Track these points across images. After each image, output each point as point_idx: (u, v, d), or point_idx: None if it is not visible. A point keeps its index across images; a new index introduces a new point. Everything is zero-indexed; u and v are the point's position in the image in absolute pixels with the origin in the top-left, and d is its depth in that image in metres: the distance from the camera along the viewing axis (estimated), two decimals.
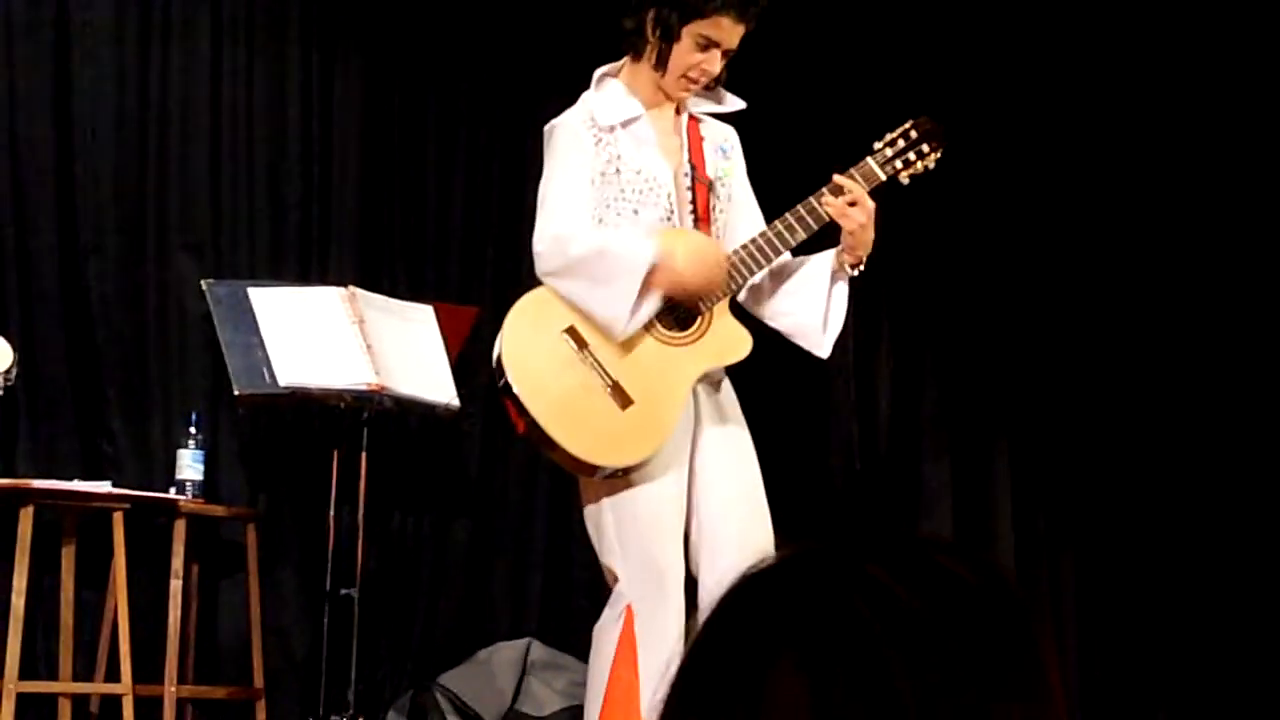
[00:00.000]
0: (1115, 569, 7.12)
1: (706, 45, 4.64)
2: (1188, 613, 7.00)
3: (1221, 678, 6.92)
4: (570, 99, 6.90)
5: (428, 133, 6.97)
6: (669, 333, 4.62)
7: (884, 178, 4.66)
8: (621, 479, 4.57)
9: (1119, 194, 7.16)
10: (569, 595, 6.95)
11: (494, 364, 4.63)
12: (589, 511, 4.66)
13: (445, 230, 6.97)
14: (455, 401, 6.07)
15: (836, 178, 4.62)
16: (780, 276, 4.75)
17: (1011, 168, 7.17)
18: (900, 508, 7.06)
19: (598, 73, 4.80)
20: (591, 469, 4.57)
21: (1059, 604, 7.09)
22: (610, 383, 4.57)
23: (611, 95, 4.75)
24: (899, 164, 4.68)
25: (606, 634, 4.57)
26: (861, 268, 4.66)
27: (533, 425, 4.55)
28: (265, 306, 5.91)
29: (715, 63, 4.66)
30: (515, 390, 4.55)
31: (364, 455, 6.06)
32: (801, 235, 4.63)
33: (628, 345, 4.59)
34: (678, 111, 4.82)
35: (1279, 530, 6.90)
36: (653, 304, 4.55)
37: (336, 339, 5.91)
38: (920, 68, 7.04)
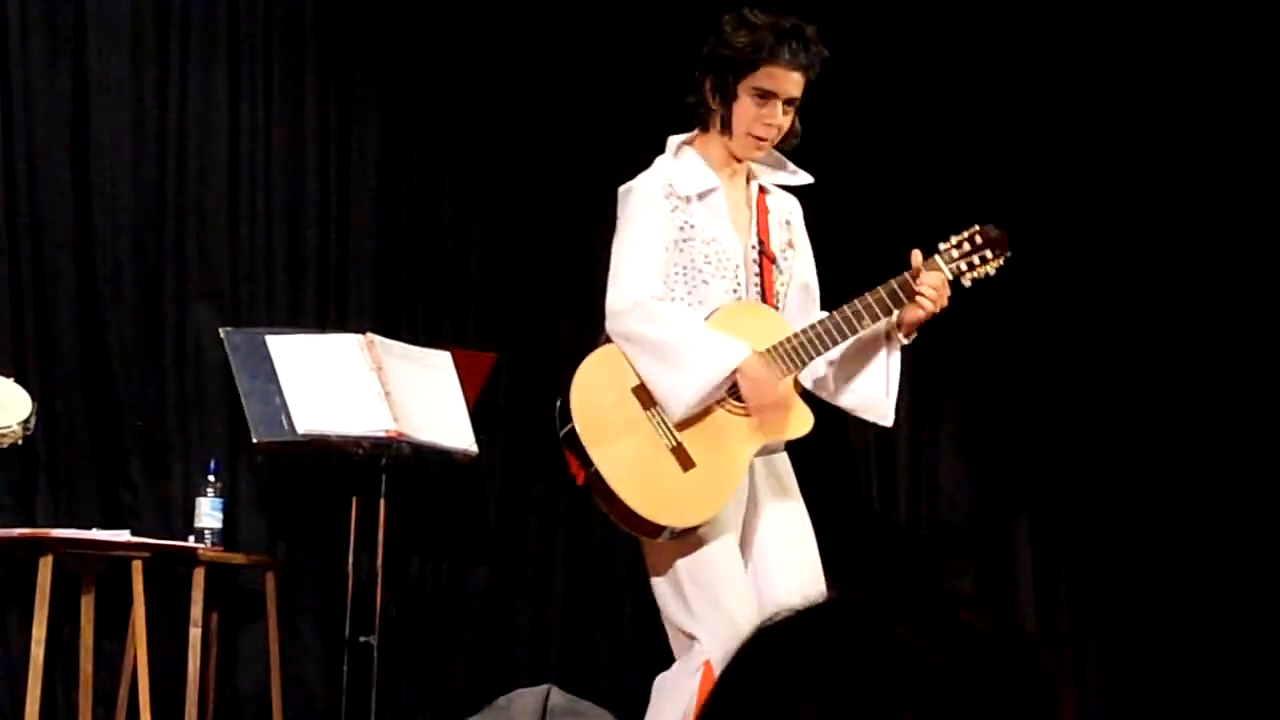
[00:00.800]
0: (1137, 614, 7.08)
1: (764, 95, 4.72)
2: (1211, 656, 6.97)
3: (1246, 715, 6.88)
4: (587, 148, 6.96)
5: (445, 180, 6.98)
6: (734, 401, 4.70)
7: (950, 277, 4.74)
8: (691, 541, 4.66)
9: (1130, 226, 7.15)
10: (589, 642, 6.94)
11: (558, 412, 4.73)
12: (660, 576, 4.74)
13: (462, 277, 6.98)
14: (473, 448, 6.07)
15: (920, 273, 4.67)
16: (841, 356, 4.84)
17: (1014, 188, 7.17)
18: (918, 555, 7.04)
19: (674, 141, 4.90)
20: (650, 527, 4.66)
21: (1080, 649, 7.06)
22: (674, 444, 4.67)
23: (689, 165, 4.84)
24: (963, 265, 4.76)
25: (680, 686, 4.65)
26: (914, 337, 4.78)
27: (595, 478, 4.65)
28: (283, 354, 5.91)
29: (778, 114, 4.75)
30: (582, 442, 4.65)
31: (382, 502, 6.06)
32: (878, 320, 4.71)
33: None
34: (747, 181, 4.91)
35: None
36: (715, 396, 4.66)
37: (355, 386, 5.92)
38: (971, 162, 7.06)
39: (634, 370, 4.68)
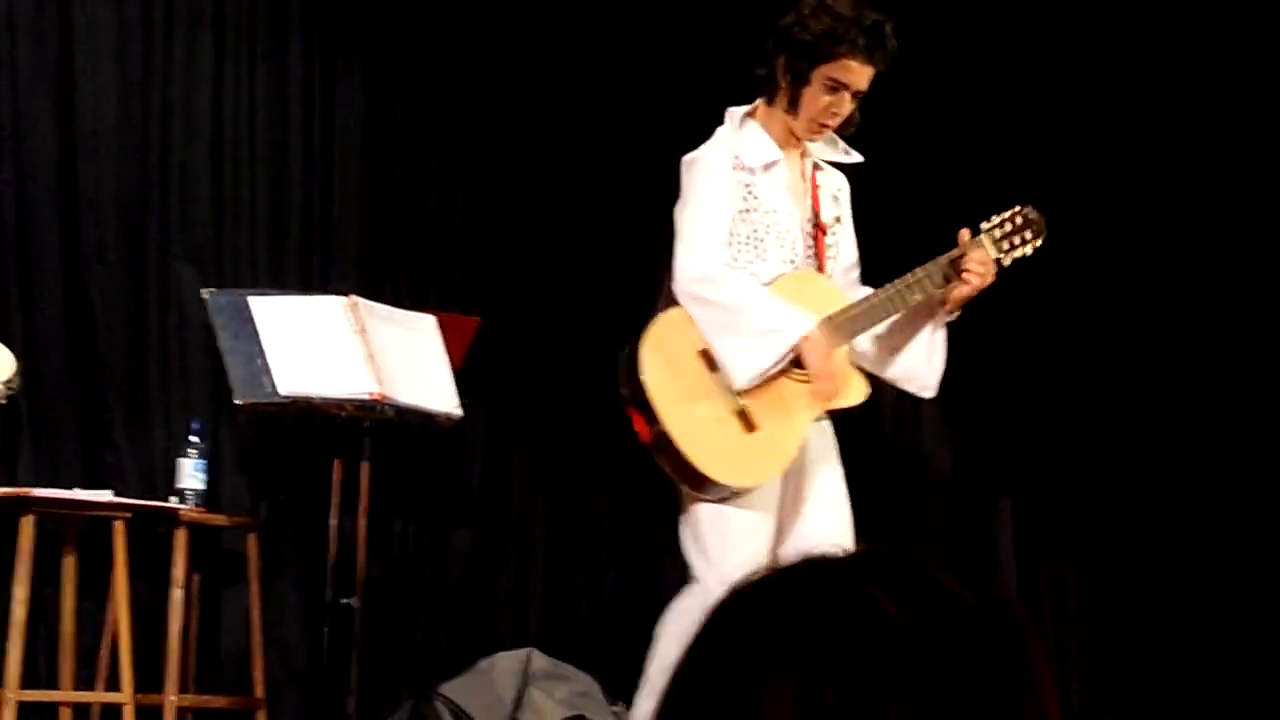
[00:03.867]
0: (1118, 579, 7.10)
1: (835, 88, 4.81)
2: (1192, 623, 6.99)
3: (1226, 689, 6.90)
4: (575, 109, 6.95)
5: (430, 142, 6.96)
6: (797, 370, 4.81)
7: (994, 257, 4.85)
8: (725, 499, 4.78)
9: (1107, 196, 7.15)
10: (571, 605, 6.95)
11: (622, 371, 4.84)
12: (689, 517, 4.83)
13: (448, 240, 6.97)
14: (457, 411, 6.06)
15: (967, 249, 4.79)
16: (890, 327, 4.96)
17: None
18: (899, 518, 7.06)
19: (734, 112, 4.96)
20: (708, 484, 4.78)
21: (1061, 615, 7.08)
22: (739, 407, 4.80)
23: (753, 137, 4.92)
24: (1005, 245, 4.87)
25: (688, 615, 4.70)
26: (958, 314, 4.90)
27: (661, 435, 4.77)
28: (266, 316, 5.90)
29: (845, 105, 4.85)
30: (651, 400, 4.77)
31: (365, 464, 6.06)
32: (927, 293, 4.83)
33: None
34: (803, 156, 5.01)
35: None
36: (778, 368, 4.77)
37: (338, 348, 5.91)
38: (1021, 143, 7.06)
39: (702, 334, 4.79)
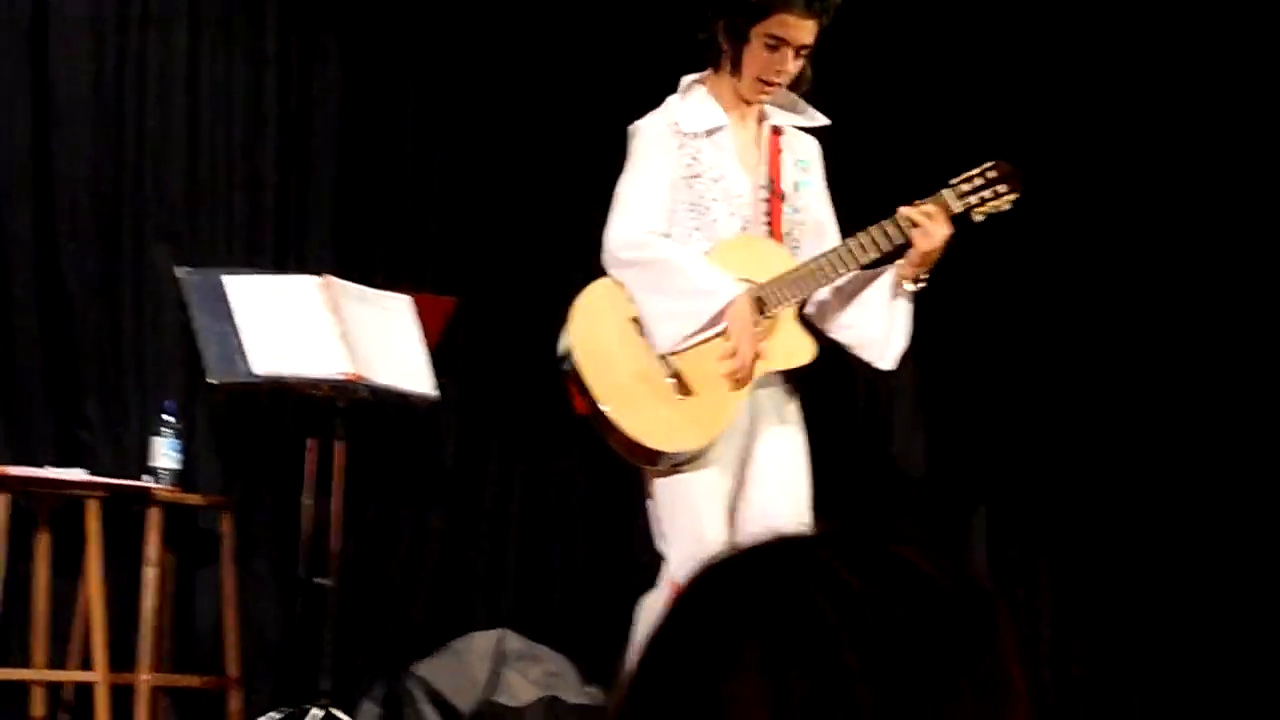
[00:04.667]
0: (1091, 571, 7.11)
1: (776, 44, 4.74)
2: (1166, 613, 7.00)
3: (1200, 681, 6.91)
4: (550, 89, 6.94)
5: (406, 122, 6.96)
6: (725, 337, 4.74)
7: (958, 210, 4.77)
8: (680, 467, 4.71)
9: (1089, 198, 7.16)
10: (545, 586, 6.95)
11: (559, 345, 4.79)
12: (651, 500, 4.78)
13: (423, 220, 6.96)
14: (432, 392, 6.06)
15: (916, 202, 4.72)
16: (843, 291, 4.89)
17: None
18: (872, 508, 7.06)
19: (685, 80, 4.91)
20: (648, 454, 4.72)
21: (1034, 605, 7.08)
22: (672, 372, 4.73)
23: (697, 103, 4.86)
24: (973, 199, 4.79)
25: (653, 611, 4.66)
26: (923, 284, 4.78)
27: (593, 406, 4.72)
28: (240, 295, 5.89)
29: (788, 61, 4.76)
30: (580, 371, 4.73)
31: (339, 444, 6.06)
32: (873, 254, 4.75)
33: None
34: (760, 121, 4.93)
35: (1261, 533, 6.90)
36: (702, 336, 4.70)
37: (312, 328, 5.90)
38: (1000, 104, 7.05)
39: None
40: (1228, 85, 7.04)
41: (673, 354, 4.73)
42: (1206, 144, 7.06)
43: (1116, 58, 7.13)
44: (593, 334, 4.76)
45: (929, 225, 4.68)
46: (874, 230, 4.72)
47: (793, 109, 4.94)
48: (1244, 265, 7.03)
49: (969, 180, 4.79)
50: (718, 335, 4.71)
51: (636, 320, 4.75)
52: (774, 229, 4.87)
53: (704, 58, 4.88)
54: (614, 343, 4.76)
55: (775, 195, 4.89)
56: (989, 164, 4.82)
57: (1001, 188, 4.79)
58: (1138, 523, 7.05)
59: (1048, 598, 7.13)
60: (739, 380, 4.73)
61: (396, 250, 6.90)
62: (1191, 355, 7.05)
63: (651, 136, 4.81)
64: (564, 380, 4.81)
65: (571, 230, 6.92)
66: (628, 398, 4.72)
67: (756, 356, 4.72)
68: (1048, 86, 7.14)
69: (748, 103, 4.87)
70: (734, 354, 4.70)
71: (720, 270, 4.74)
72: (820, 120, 4.97)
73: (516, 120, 7.01)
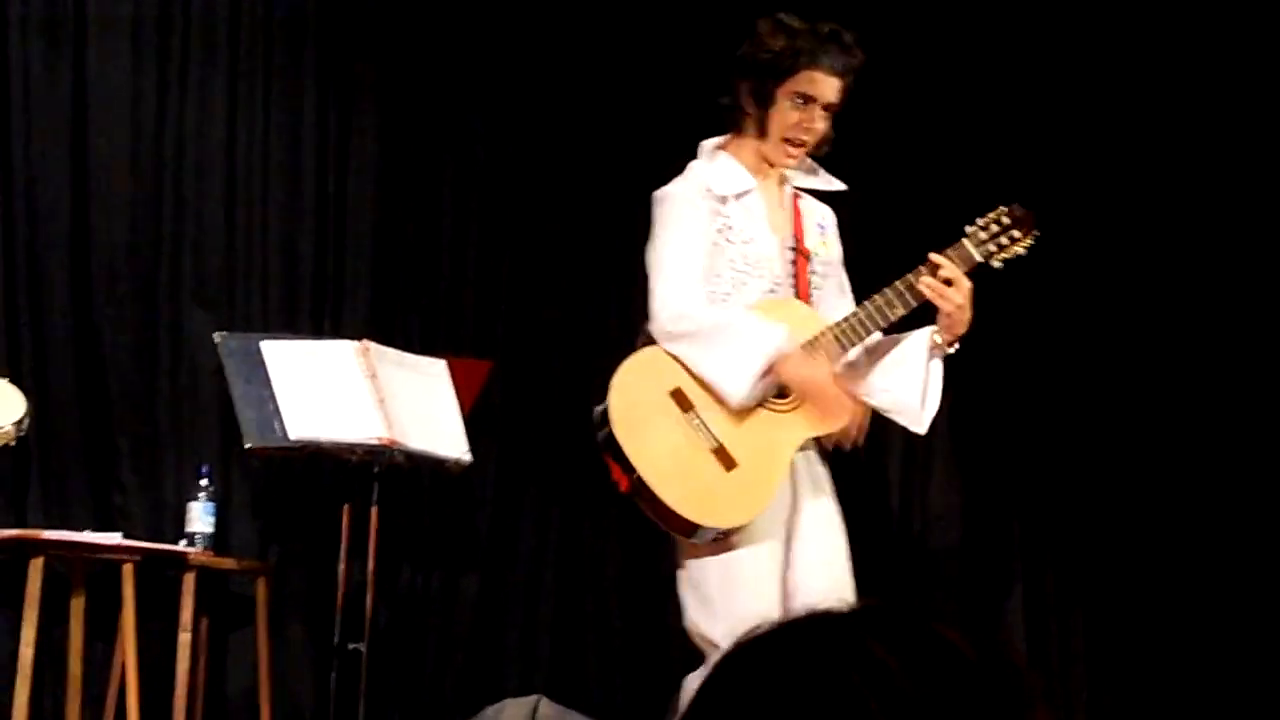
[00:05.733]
0: (1126, 628, 7.07)
1: (804, 102, 4.75)
2: (1199, 671, 6.96)
3: None
4: (585, 157, 6.96)
5: (442, 189, 6.98)
6: (775, 400, 4.72)
7: (980, 260, 4.75)
8: (726, 541, 4.63)
9: (1119, 232, 7.15)
10: (579, 652, 6.93)
11: (597, 418, 4.72)
12: (689, 571, 4.69)
13: (459, 285, 6.97)
14: (467, 456, 6.06)
15: (933, 256, 4.71)
16: (877, 353, 4.86)
17: None
18: (906, 572, 7.04)
19: (707, 145, 4.91)
20: (693, 529, 4.63)
21: (1068, 662, 7.05)
22: (715, 445, 4.67)
23: (724, 167, 4.85)
24: (993, 247, 4.77)
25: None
26: (957, 346, 4.76)
27: (638, 482, 4.62)
28: (277, 360, 5.90)
29: (815, 120, 4.78)
30: (621, 445, 4.64)
31: (374, 509, 6.05)
32: (899, 312, 4.73)
33: (732, 409, 4.68)
34: (780, 184, 4.94)
35: None
36: (769, 384, 4.66)
37: (349, 392, 5.91)
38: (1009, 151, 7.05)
39: (674, 370, 4.68)
40: (1231, 118, 7.02)
41: (721, 427, 4.66)
42: (1213, 166, 7.03)
43: (1114, 89, 7.12)
44: (633, 408, 4.67)
45: (946, 290, 4.66)
46: (899, 285, 4.70)
47: (812, 174, 4.95)
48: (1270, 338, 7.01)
49: (985, 228, 4.77)
50: (772, 397, 4.68)
51: (675, 394, 4.68)
52: (800, 289, 4.87)
53: (726, 122, 4.89)
54: (654, 416, 4.67)
55: (801, 255, 4.89)
56: (1002, 210, 4.79)
57: (1016, 232, 4.77)
58: (1176, 582, 7.01)
59: (1082, 655, 7.09)
60: (819, 421, 4.70)
61: (433, 315, 6.91)
62: (1227, 413, 7.02)
63: (683, 201, 4.79)
64: (602, 454, 4.72)
65: (605, 296, 6.94)
66: (670, 470, 4.63)
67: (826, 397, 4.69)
68: (1051, 131, 7.15)
69: (771, 165, 4.87)
70: (805, 400, 4.67)
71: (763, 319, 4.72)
72: (837, 185, 4.97)
73: (553, 184, 7.02)
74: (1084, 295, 7.15)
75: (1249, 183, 7.04)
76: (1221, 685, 6.92)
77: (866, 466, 7.07)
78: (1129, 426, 7.10)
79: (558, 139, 7.03)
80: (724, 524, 4.63)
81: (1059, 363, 7.14)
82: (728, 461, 4.66)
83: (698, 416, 4.68)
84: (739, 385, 4.63)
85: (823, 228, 5.00)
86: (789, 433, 4.72)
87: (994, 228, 4.77)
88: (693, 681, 4.60)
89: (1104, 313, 7.15)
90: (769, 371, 4.64)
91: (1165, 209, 7.11)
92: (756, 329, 4.66)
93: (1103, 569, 7.10)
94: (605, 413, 4.69)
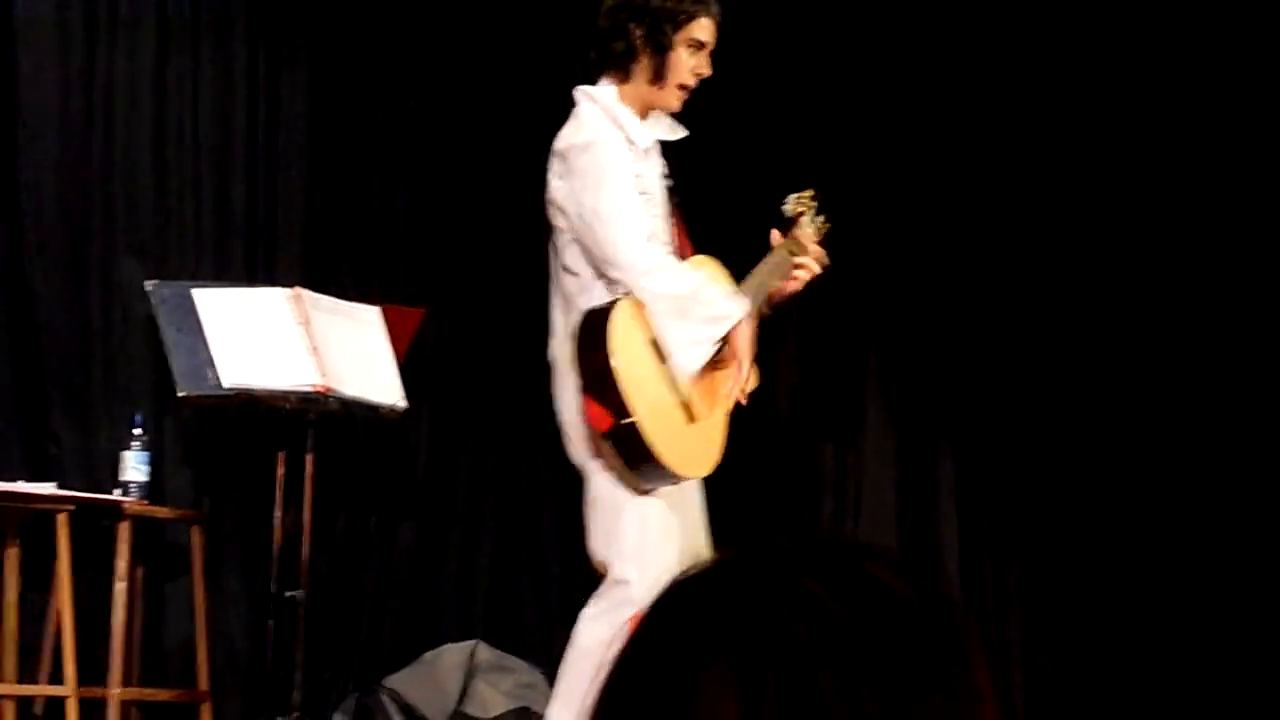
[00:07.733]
0: (1062, 573, 7.12)
1: (698, 47, 4.79)
2: (1137, 616, 7.01)
3: (1171, 684, 6.93)
4: (517, 103, 6.94)
5: (374, 134, 6.95)
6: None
7: (817, 238, 4.97)
8: (649, 488, 4.67)
9: (1072, 185, 7.17)
10: (516, 597, 6.95)
11: (585, 360, 4.66)
12: (607, 503, 4.70)
13: (392, 232, 6.96)
14: (402, 403, 6.05)
15: (797, 233, 4.94)
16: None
17: (972, 158, 7.19)
18: (840, 511, 7.08)
19: (604, 93, 4.83)
20: (654, 475, 4.66)
21: (1003, 610, 7.10)
22: (684, 398, 4.74)
23: (630, 118, 4.82)
24: (821, 221, 5.01)
25: (603, 629, 4.60)
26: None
27: (627, 427, 4.60)
28: (209, 308, 5.88)
29: (706, 64, 4.82)
30: (624, 389, 4.59)
31: (309, 457, 6.05)
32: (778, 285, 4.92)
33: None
34: None
35: (1232, 534, 6.91)
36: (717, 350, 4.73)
37: (282, 340, 5.89)
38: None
39: (653, 325, 4.67)
40: (1224, 114, 7.03)
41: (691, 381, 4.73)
42: (1214, 210, 7.05)
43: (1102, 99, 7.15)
44: (632, 357, 4.65)
45: (804, 275, 4.88)
46: (789, 242, 4.90)
47: (659, 122, 4.92)
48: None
49: (803, 202, 5.00)
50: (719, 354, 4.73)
51: (654, 343, 4.68)
52: (681, 241, 4.92)
53: (605, 67, 4.84)
54: (644, 364, 4.67)
55: (676, 207, 4.95)
56: (811, 190, 5.02)
57: (821, 218, 5.00)
58: (1112, 527, 7.06)
59: (1017, 602, 7.14)
60: (742, 398, 4.77)
61: (366, 262, 6.90)
62: (1171, 360, 7.07)
63: (614, 150, 4.75)
64: (588, 390, 4.65)
65: (539, 240, 6.92)
66: (658, 419, 4.65)
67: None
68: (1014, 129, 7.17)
69: (652, 110, 4.85)
70: (743, 371, 4.72)
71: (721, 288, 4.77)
72: (682, 132, 4.95)
73: (485, 130, 7.01)
74: (1034, 253, 7.18)
75: (1223, 174, 7.04)
76: (1156, 625, 6.98)
77: (800, 409, 7.10)
78: (1066, 364, 7.14)
79: (489, 87, 7.01)
80: (691, 474, 4.75)
81: (998, 304, 7.17)
82: (690, 414, 4.74)
83: (669, 369, 4.73)
84: (692, 363, 4.69)
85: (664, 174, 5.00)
86: (725, 387, 4.77)
87: (811, 201, 5.00)
88: (602, 625, 4.63)
89: (1047, 265, 7.18)
90: (723, 342, 4.71)
91: (1115, 190, 7.14)
92: (718, 303, 4.70)
93: (1039, 510, 7.14)
94: (600, 354, 4.62)
